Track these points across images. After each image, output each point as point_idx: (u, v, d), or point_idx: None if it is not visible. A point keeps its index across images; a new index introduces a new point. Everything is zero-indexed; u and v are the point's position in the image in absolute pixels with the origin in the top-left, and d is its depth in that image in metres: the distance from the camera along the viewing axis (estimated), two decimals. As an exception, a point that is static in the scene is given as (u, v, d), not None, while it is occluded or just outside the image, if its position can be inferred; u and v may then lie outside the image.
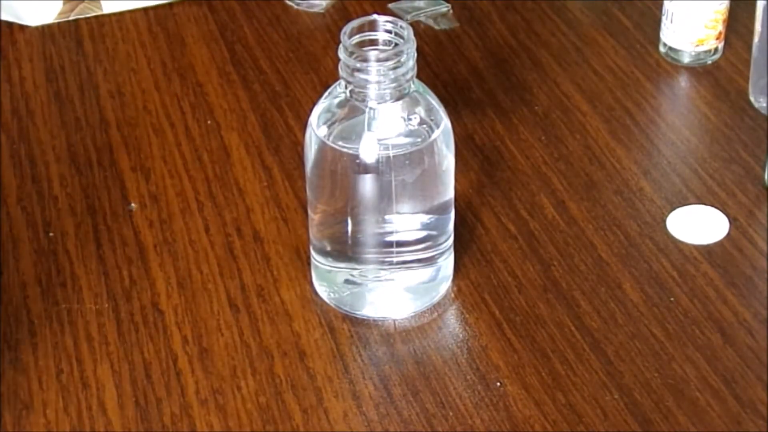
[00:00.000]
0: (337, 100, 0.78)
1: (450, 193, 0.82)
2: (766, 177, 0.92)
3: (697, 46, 1.03)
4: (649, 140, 0.97)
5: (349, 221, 0.80)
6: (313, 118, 0.79)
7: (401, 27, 0.77)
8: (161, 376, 0.80)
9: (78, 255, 0.88)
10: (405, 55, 0.76)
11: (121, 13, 1.12)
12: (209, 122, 1.00)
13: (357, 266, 0.82)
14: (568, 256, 0.87)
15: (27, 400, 0.79)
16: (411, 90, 0.78)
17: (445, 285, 0.85)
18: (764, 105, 0.99)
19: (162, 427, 0.77)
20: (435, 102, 0.79)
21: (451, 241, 0.84)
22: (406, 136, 0.78)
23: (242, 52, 1.07)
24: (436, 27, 1.10)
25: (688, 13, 1.01)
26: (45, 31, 1.10)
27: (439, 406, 0.77)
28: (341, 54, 0.76)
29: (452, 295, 0.85)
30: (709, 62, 1.04)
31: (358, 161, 0.77)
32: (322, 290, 0.84)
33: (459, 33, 1.09)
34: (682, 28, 1.02)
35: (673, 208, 0.91)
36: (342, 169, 0.78)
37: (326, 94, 0.79)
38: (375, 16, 0.78)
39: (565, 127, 0.98)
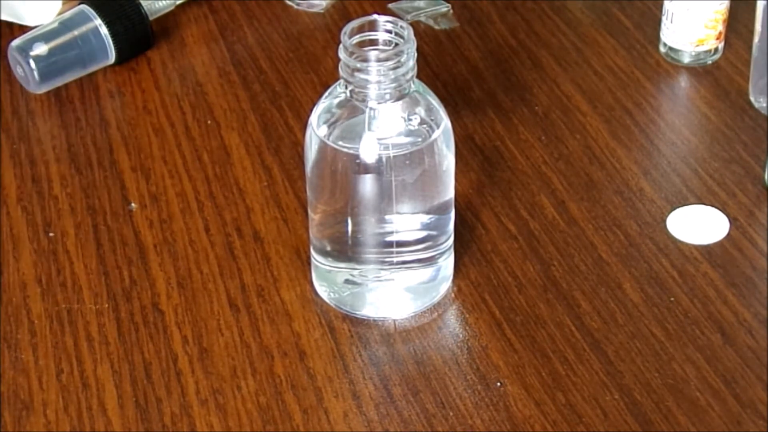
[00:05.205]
0: (337, 100, 0.78)
1: (450, 193, 0.82)
2: (766, 177, 0.92)
3: (697, 46, 1.03)
4: (649, 140, 0.97)
5: (349, 221, 0.80)
6: (313, 118, 0.79)
7: (401, 27, 0.77)
8: (161, 376, 0.80)
9: (78, 255, 0.88)
10: (405, 55, 0.76)
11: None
12: (209, 122, 1.00)
13: (357, 266, 0.82)
14: (568, 256, 0.87)
15: (27, 400, 0.79)
16: (411, 90, 0.78)
17: (445, 285, 0.85)
18: (764, 105, 0.99)
19: (162, 427, 0.77)
20: (435, 102, 0.79)
21: (451, 241, 0.84)
22: (406, 136, 0.78)
23: (242, 52, 1.07)
24: (436, 27, 1.10)
25: (688, 13, 1.01)
26: (45, 31, 1.10)
27: (439, 406, 0.77)
28: (341, 54, 0.76)
29: (452, 295, 0.85)
30: (709, 62, 1.04)
31: (358, 161, 0.77)
32: (322, 290, 0.84)
33: (459, 33, 1.09)
34: (682, 28, 1.02)
35: (673, 208, 0.91)
36: (342, 169, 0.78)
37: (326, 94, 0.79)
38: (375, 16, 0.78)
39: (565, 127, 0.98)
